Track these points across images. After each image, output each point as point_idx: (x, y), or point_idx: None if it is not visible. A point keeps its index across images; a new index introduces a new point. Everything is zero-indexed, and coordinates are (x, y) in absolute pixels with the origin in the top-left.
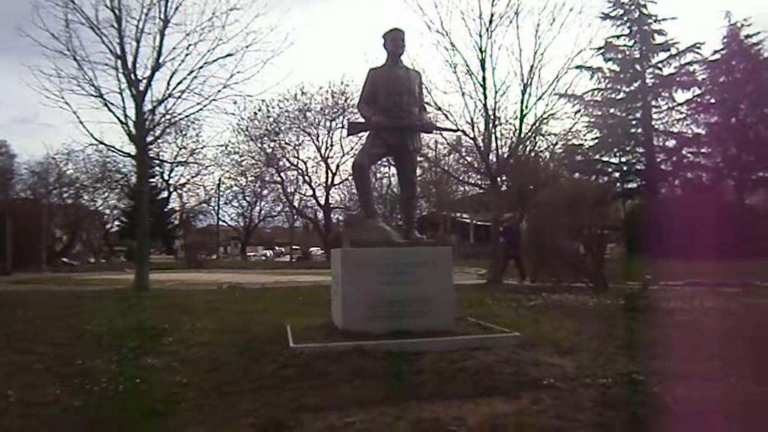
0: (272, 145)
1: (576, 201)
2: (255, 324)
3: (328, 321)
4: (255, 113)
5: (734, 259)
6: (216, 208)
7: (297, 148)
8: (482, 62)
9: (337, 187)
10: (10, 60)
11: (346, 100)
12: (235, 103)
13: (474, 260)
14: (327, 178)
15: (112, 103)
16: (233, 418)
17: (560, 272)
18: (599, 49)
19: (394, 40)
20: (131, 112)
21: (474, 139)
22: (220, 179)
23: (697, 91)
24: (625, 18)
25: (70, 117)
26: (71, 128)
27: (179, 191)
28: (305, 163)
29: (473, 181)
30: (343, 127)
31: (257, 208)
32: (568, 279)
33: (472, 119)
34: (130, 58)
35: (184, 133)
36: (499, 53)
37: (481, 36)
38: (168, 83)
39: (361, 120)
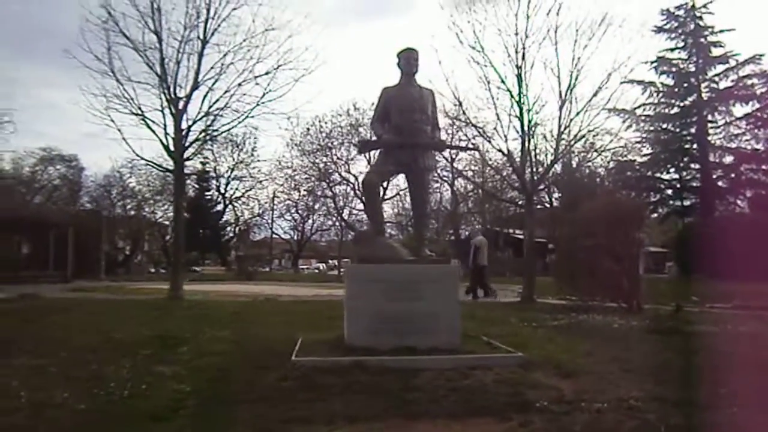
0: (324, 159)
1: (611, 218)
2: (272, 336)
3: (341, 335)
4: (308, 129)
5: None
6: (270, 221)
7: (348, 162)
8: (518, 78)
9: (386, 201)
10: (79, 77)
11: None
12: (288, 118)
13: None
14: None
15: (152, 120)
16: (226, 427)
17: (593, 291)
18: (652, 62)
19: (408, 60)
20: (170, 129)
21: (509, 156)
22: (274, 193)
23: (757, 105)
24: (680, 31)
25: (127, 132)
26: (133, 143)
27: (234, 204)
28: (356, 177)
29: (510, 198)
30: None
31: (309, 221)
32: (602, 299)
33: (506, 136)
34: (170, 78)
35: (240, 147)
36: (535, 69)
37: (517, 52)
38: (202, 101)
39: (374, 138)
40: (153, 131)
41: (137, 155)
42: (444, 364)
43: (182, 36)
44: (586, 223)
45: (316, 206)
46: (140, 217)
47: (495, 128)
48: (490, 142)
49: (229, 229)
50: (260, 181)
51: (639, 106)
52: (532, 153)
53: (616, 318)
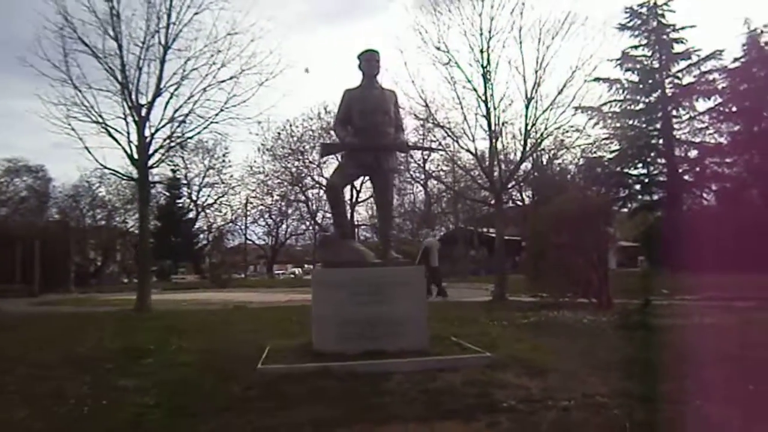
0: (297, 164)
1: (579, 214)
2: (240, 345)
3: (310, 341)
4: (279, 133)
5: (759, 272)
6: (243, 227)
7: (321, 166)
8: (484, 77)
9: (361, 204)
10: (38, 85)
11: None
12: (259, 123)
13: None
14: (351, 196)
15: (114, 128)
16: None
17: (563, 288)
18: (617, 60)
19: (369, 62)
20: (133, 137)
21: (476, 155)
22: (246, 198)
23: (719, 100)
24: (643, 28)
25: (91, 141)
26: (97, 152)
27: (206, 211)
28: None
29: (481, 198)
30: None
31: (283, 226)
32: (572, 295)
33: (473, 135)
34: (131, 85)
35: (211, 153)
36: (500, 68)
37: (482, 51)
38: (165, 108)
39: (336, 141)
40: (115, 140)
41: (101, 164)
42: (412, 367)
43: (143, 42)
44: (554, 219)
45: (290, 211)
46: (111, 227)
47: (462, 128)
48: (458, 142)
49: (202, 236)
50: (232, 187)
51: (605, 103)
52: (501, 152)
53: (586, 314)
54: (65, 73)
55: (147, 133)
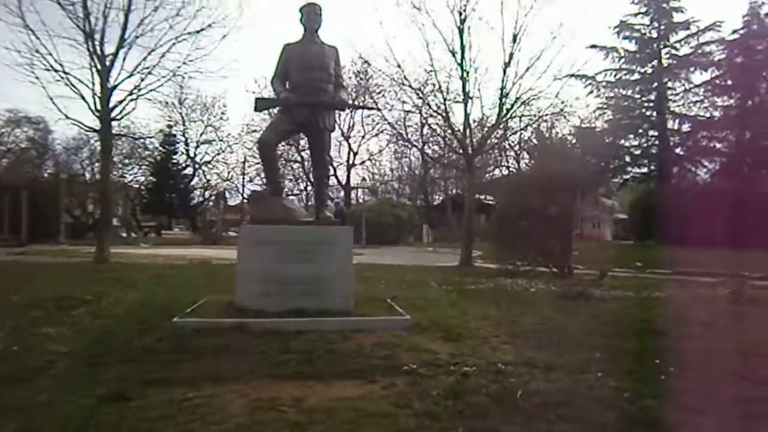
0: None
1: (544, 184)
2: (177, 298)
3: None
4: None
5: (742, 248)
6: (241, 185)
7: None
8: (461, 37)
9: (358, 166)
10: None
11: (368, 80)
12: (255, 81)
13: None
14: (348, 157)
15: (76, 78)
16: (86, 388)
17: (525, 256)
18: (615, 27)
19: (309, 15)
20: (97, 88)
21: (446, 118)
22: (244, 157)
23: (715, 73)
24: None
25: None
26: (63, 103)
27: (203, 169)
28: None
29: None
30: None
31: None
32: (533, 263)
33: (445, 99)
34: (96, 35)
35: (209, 111)
36: (479, 30)
37: (460, 13)
38: (123, 59)
39: (270, 96)
40: (76, 89)
41: (64, 114)
42: (328, 327)
43: None
44: (521, 187)
45: (285, 171)
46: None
47: (433, 91)
48: (429, 105)
49: (197, 193)
50: (230, 145)
51: (600, 72)
52: (482, 119)
53: (539, 283)
54: (21, 17)
55: (110, 84)
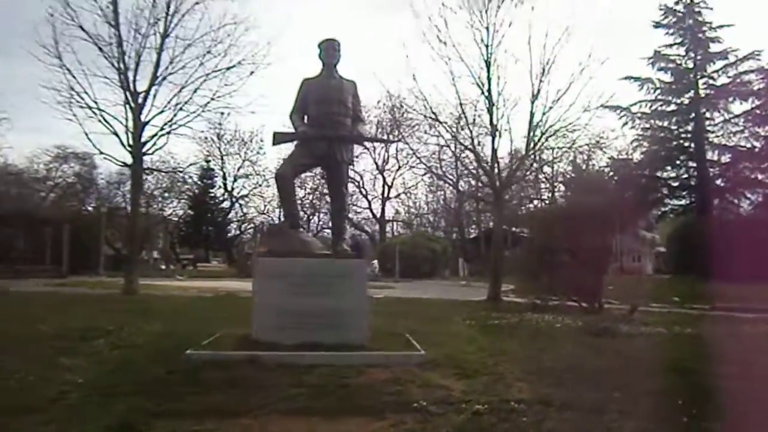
0: None
1: (575, 217)
2: (196, 330)
3: None
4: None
5: None
6: (277, 219)
7: (353, 161)
8: (488, 69)
9: (393, 199)
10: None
11: (402, 114)
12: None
13: None
14: (384, 190)
15: (110, 114)
16: (95, 419)
17: (554, 290)
18: (649, 58)
19: (327, 50)
20: (129, 123)
21: (474, 151)
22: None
23: (756, 102)
24: (678, 26)
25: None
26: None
27: (240, 202)
28: (361, 176)
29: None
30: (398, 140)
31: (315, 219)
32: (562, 298)
33: (471, 132)
34: (131, 73)
35: (247, 145)
36: (506, 63)
37: (487, 46)
38: (154, 96)
39: (289, 130)
40: (109, 125)
41: (98, 150)
42: (342, 361)
43: (144, 31)
44: (552, 220)
45: (319, 204)
46: (150, 214)
47: (461, 125)
48: (457, 139)
49: (234, 225)
50: (266, 179)
51: (635, 103)
52: (512, 152)
53: (566, 318)
54: (57, 57)
55: (143, 120)
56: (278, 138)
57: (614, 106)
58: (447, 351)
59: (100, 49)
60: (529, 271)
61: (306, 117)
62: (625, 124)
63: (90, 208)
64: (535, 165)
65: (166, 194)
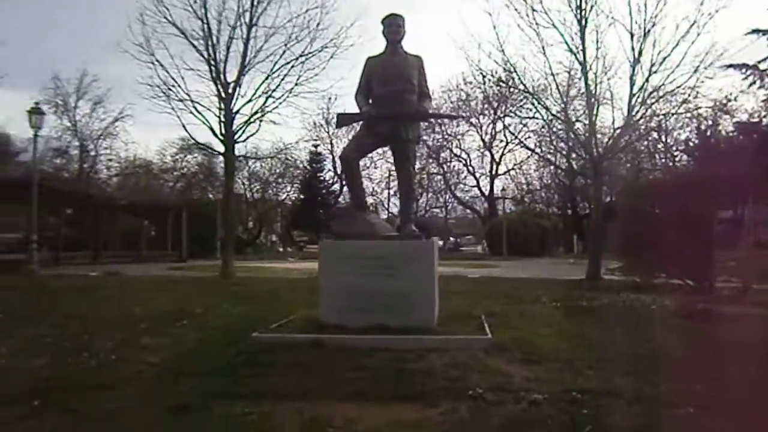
0: (434, 136)
1: (680, 186)
2: (278, 312)
3: None
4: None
5: None
6: (386, 199)
7: (458, 138)
8: (582, 32)
9: (502, 176)
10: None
11: (509, 88)
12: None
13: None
14: (491, 167)
15: (202, 105)
16: (161, 398)
17: (655, 268)
18: None
19: (391, 26)
20: (221, 113)
21: (567, 121)
22: (388, 171)
23: None
24: None
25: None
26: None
27: None
28: (468, 153)
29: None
30: (505, 115)
31: (422, 199)
32: (665, 276)
33: (564, 101)
34: (220, 64)
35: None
36: (600, 25)
37: (580, 7)
38: (237, 82)
39: (352, 111)
40: (202, 116)
41: (194, 140)
42: (405, 345)
43: (232, 23)
44: (652, 190)
45: (426, 184)
46: (266, 198)
47: (549, 93)
48: (547, 109)
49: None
50: (374, 161)
51: (763, 59)
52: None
53: (666, 299)
54: (148, 54)
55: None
56: (342, 120)
57: (739, 64)
58: (519, 334)
59: (192, 43)
60: (633, 246)
61: (371, 96)
62: (752, 83)
63: (211, 196)
64: (639, 133)
65: (280, 180)
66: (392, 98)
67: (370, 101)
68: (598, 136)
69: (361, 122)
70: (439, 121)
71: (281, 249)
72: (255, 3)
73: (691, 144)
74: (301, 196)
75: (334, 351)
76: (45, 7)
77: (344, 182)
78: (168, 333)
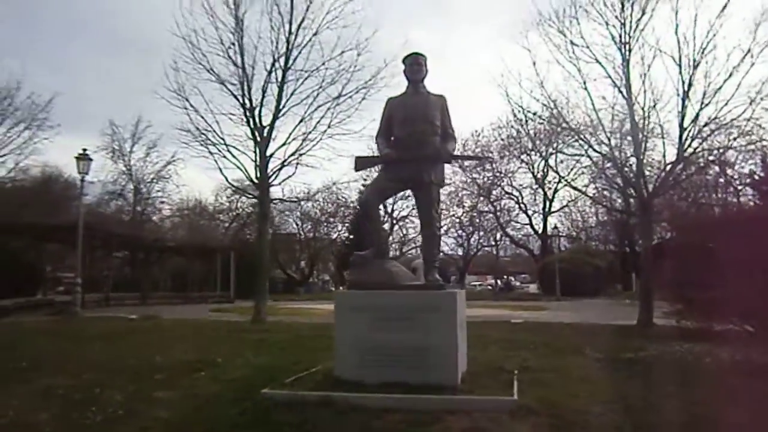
0: (486, 174)
1: (745, 222)
2: (301, 362)
3: None
4: (463, 144)
5: None
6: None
7: (509, 176)
8: (627, 65)
9: (555, 213)
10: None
11: (559, 124)
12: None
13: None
14: (544, 204)
15: (237, 149)
16: None
17: (711, 313)
18: None
19: (411, 66)
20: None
21: (612, 158)
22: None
23: None
24: None
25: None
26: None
27: (399, 224)
28: (520, 191)
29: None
30: (557, 151)
31: (474, 237)
32: (723, 323)
33: (608, 136)
34: (256, 108)
35: None
36: (645, 56)
37: (623, 42)
38: (272, 126)
39: (372, 154)
40: (237, 160)
41: (230, 184)
42: (420, 406)
43: (268, 68)
44: (711, 227)
45: (477, 222)
46: (318, 238)
47: (593, 130)
48: (590, 146)
49: (395, 247)
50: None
51: None
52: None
53: (725, 350)
54: (183, 99)
55: (266, 152)
56: (360, 163)
57: None
58: (550, 395)
59: (230, 89)
60: (687, 288)
61: (392, 138)
62: None
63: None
64: (696, 167)
65: (332, 219)
66: (413, 140)
67: (392, 143)
68: (647, 171)
69: (381, 165)
70: (488, 159)
71: (333, 288)
72: (290, 47)
73: (756, 177)
74: (351, 237)
75: (343, 411)
76: (101, 56)
77: (365, 227)
78: (182, 385)
